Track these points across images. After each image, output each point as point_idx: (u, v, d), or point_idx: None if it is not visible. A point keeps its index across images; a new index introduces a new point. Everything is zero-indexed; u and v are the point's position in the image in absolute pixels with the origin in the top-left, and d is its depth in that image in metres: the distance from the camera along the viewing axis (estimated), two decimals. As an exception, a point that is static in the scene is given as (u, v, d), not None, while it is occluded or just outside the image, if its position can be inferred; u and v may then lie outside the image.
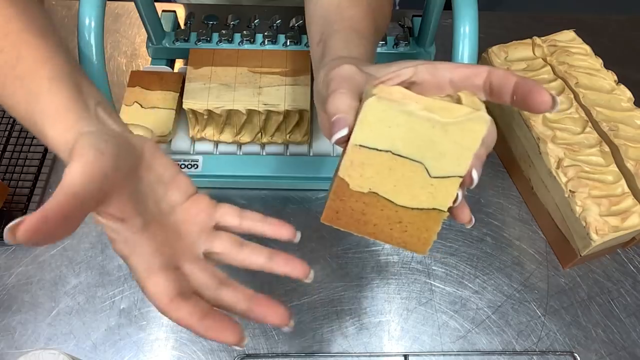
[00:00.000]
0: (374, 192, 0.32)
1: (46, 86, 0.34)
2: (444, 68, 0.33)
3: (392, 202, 0.32)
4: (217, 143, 0.63)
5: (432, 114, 0.30)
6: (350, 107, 0.32)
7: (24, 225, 0.25)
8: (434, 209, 0.32)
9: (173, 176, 0.36)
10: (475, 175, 0.31)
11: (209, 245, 0.36)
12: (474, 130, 0.30)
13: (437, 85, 0.33)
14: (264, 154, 0.63)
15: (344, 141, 0.32)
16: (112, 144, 0.31)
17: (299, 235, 0.36)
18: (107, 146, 0.31)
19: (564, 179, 0.57)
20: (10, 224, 0.25)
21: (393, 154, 0.31)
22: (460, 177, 0.31)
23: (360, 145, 0.31)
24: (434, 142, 0.30)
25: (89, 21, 0.47)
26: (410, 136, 0.30)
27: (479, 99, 0.33)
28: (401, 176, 0.31)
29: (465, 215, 0.34)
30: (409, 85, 0.34)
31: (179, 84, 0.64)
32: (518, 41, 0.68)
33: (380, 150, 0.31)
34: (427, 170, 0.31)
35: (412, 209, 0.33)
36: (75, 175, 0.28)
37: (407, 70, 0.33)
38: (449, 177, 0.31)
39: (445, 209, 0.32)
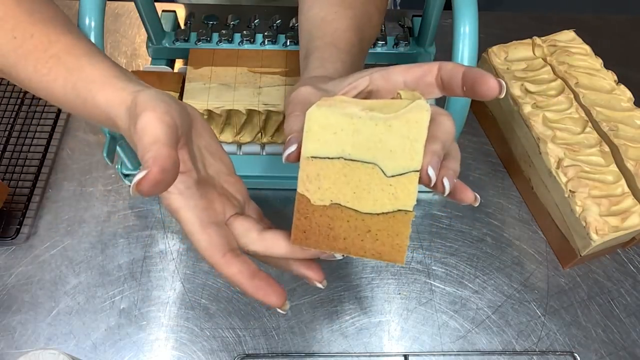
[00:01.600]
0: (336, 204, 0.32)
1: (86, 60, 0.36)
2: (396, 72, 0.34)
3: (356, 210, 0.32)
4: (217, 143, 0.63)
5: (373, 112, 0.30)
6: (302, 127, 0.32)
7: (148, 181, 0.28)
8: (399, 210, 0.31)
9: (218, 149, 0.38)
10: (431, 172, 0.30)
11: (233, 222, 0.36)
12: (416, 120, 0.29)
13: (393, 90, 0.34)
14: (264, 154, 0.63)
15: (296, 158, 0.32)
16: (172, 99, 0.33)
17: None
18: (170, 101, 0.33)
19: (564, 179, 0.57)
20: (136, 179, 0.28)
21: (345, 159, 0.31)
22: (417, 171, 0.30)
23: (312, 157, 0.31)
24: (381, 140, 0.30)
25: (89, 21, 0.47)
26: (357, 139, 0.30)
27: (419, 93, 0.32)
28: (358, 181, 0.31)
29: (468, 196, 0.33)
30: (367, 94, 0.34)
31: (179, 84, 0.64)
32: (518, 41, 0.68)
33: (332, 158, 0.31)
34: (382, 170, 0.30)
35: (377, 214, 0.31)
36: (157, 125, 0.30)
37: (362, 80, 0.34)
38: (405, 173, 0.30)
39: (411, 209, 0.31)
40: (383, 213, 0.31)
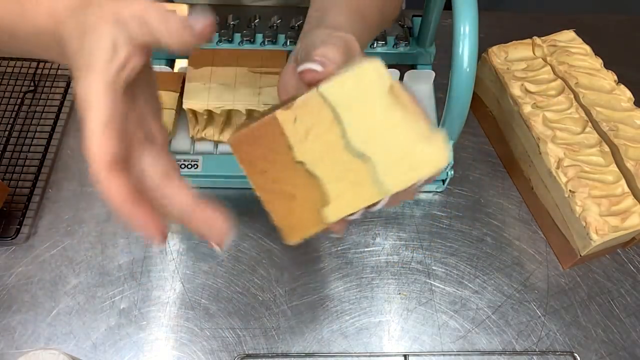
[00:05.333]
0: (300, 162, 0.31)
1: None
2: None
3: (309, 172, 0.31)
4: (217, 143, 0.63)
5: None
6: (338, 59, 0.31)
7: (207, 26, 0.27)
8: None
9: (156, 90, 0.35)
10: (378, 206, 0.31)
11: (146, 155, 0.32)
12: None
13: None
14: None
15: (310, 81, 0.30)
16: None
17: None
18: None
19: (564, 179, 0.57)
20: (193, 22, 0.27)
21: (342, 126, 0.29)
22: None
23: (324, 97, 0.29)
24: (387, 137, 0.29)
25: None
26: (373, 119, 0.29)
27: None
28: (336, 154, 0.30)
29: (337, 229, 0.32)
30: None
31: (179, 84, 0.64)
32: (518, 41, 0.68)
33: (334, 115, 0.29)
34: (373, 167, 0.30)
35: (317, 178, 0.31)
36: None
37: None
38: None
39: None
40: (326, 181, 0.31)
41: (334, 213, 0.31)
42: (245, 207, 0.58)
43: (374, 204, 0.31)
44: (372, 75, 0.29)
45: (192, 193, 0.31)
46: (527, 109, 0.61)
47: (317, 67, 0.30)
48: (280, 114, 0.30)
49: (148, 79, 0.33)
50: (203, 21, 0.28)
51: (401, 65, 0.69)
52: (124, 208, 0.28)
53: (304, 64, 0.30)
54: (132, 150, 0.30)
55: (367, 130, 0.29)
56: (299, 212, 0.31)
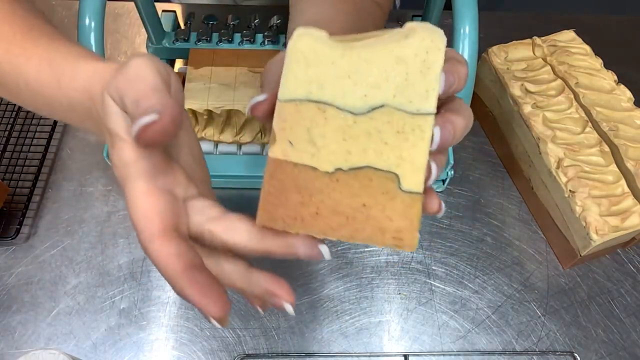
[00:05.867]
0: (338, 169, 0.26)
1: (71, 42, 0.33)
2: None
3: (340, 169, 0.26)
4: (217, 143, 0.63)
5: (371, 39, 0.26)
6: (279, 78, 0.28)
7: (159, 127, 0.24)
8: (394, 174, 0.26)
9: (201, 157, 0.33)
10: (434, 169, 0.26)
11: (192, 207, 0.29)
12: (427, 50, 0.25)
13: None
14: (264, 154, 0.63)
15: (264, 110, 0.28)
16: (168, 66, 0.29)
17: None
18: (167, 66, 0.29)
19: (564, 179, 0.57)
20: (141, 123, 0.24)
21: (340, 109, 0.26)
22: (430, 114, 0.25)
23: (293, 100, 0.26)
24: (388, 77, 0.26)
25: (89, 21, 0.47)
26: (358, 76, 0.26)
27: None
28: (357, 137, 0.26)
29: (434, 203, 0.28)
30: None
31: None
32: (518, 41, 0.68)
33: (323, 103, 0.26)
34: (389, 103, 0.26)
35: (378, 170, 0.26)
36: (153, 74, 0.26)
37: None
38: (419, 114, 0.26)
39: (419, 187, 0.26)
40: (385, 170, 0.26)
41: (412, 179, 0.26)
42: (245, 207, 0.57)
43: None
44: (302, 46, 0.26)
45: (245, 262, 0.29)
46: (527, 109, 0.61)
47: (262, 97, 0.28)
48: (273, 152, 0.26)
49: (184, 129, 0.31)
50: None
51: (401, 65, 0.68)
52: (185, 279, 0.25)
53: (250, 102, 0.28)
54: (178, 209, 0.28)
55: (354, 80, 0.26)
56: (384, 214, 0.26)
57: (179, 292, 0.25)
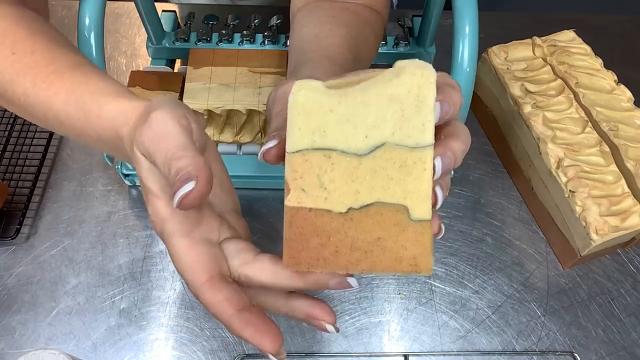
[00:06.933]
0: (351, 208, 0.28)
1: (96, 75, 0.34)
2: None
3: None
4: (217, 143, 0.63)
5: (365, 82, 0.27)
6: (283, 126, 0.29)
7: (197, 194, 0.25)
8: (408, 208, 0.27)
9: (230, 186, 0.35)
10: (439, 193, 0.28)
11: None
12: (419, 85, 0.26)
13: None
14: (264, 154, 0.63)
15: (276, 157, 0.29)
16: (190, 110, 0.31)
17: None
18: (186, 108, 0.30)
19: (564, 179, 0.57)
20: (181, 192, 0.25)
21: (344, 152, 0.27)
22: (428, 145, 0.27)
23: (302, 151, 0.27)
24: (385, 118, 0.27)
25: (89, 21, 0.47)
26: (355, 119, 0.27)
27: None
28: (365, 176, 0.27)
29: (434, 226, 0.29)
30: None
31: (179, 84, 0.64)
32: (518, 41, 0.68)
33: (329, 150, 0.27)
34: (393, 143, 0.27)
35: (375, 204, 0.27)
36: (176, 127, 0.27)
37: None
38: (411, 147, 0.27)
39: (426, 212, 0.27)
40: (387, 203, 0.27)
41: (420, 208, 0.27)
42: (245, 207, 0.58)
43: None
44: (302, 98, 0.27)
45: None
46: (527, 109, 0.61)
47: (272, 143, 0.29)
48: (289, 201, 0.28)
49: (220, 179, 0.33)
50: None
51: (401, 65, 0.69)
52: (239, 320, 0.28)
53: (262, 149, 0.29)
54: (218, 255, 0.30)
55: (353, 123, 0.27)
56: (398, 244, 0.28)
57: (235, 333, 0.28)
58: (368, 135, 0.27)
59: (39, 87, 0.35)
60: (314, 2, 0.48)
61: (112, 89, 0.33)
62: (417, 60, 0.27)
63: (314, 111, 0.27)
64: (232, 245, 0.31)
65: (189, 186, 0.25)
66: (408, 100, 0.26)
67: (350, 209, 0.28)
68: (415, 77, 0.26)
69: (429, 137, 0.27)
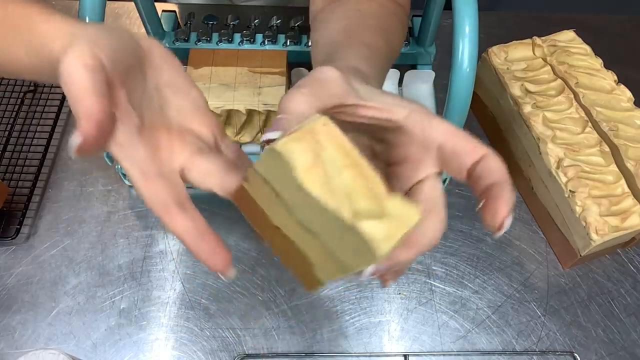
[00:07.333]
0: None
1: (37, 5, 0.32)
2: (439, 129, 0.29)
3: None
4: (217, 143, 0.63)
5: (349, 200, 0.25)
6: (300, 110, 0.28)
7: (86, 143, 0.25)
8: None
9: (185, 84, 0.33)
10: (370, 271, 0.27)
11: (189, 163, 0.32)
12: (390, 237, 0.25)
13: (422, 144, 0.30)
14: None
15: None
16: (115, 33, 0.29)
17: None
18: (108, 35, 0.29)
19: (564, 179, 0.57)
20: (74, 142, 0.25)
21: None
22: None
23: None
24: (342, 237, 0.25)
25: (89, 21, 0.47)
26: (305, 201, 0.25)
27: (415, 208, 0.26)
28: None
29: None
30: (387, 126, 0.30)
31: (179, 84, 0.64)
32: (518, 41, 0.68)
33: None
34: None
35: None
36: (81, 72, 0.26)
37: (400, 110, 0.29)
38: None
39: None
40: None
41: (322, 275, 0.28)
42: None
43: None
44: (325, 131, 0.25)
45: (202, 224, 0.31)
46: (527, 109, 0.61)
47: (274, 135, 0.28)
48: (244, 183, 0.28)
49: (171, 84, 0.32)
50: None
51: (401, 65, 0.69)
52: (194, 247, 0.29)
53: (265, 134, 0.28)
54: (176, 185, 0.31)
55: (310, 204, 0.25)
56: (302, 263, 0.28)
57: (192, 254, 0.30)
58: (312, 220, 0.26)
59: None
60: (334, 1, 0.47)
61: (46, 10, 0.31)
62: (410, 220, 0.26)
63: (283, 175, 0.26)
64: (197, 161, 0.32)
65: (77, 136, 0.25)
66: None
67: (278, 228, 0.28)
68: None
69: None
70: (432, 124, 0.29)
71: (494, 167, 0.29)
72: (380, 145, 0.33)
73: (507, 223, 0.28)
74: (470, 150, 0.29)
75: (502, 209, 0.27)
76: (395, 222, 0.25)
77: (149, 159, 0.30)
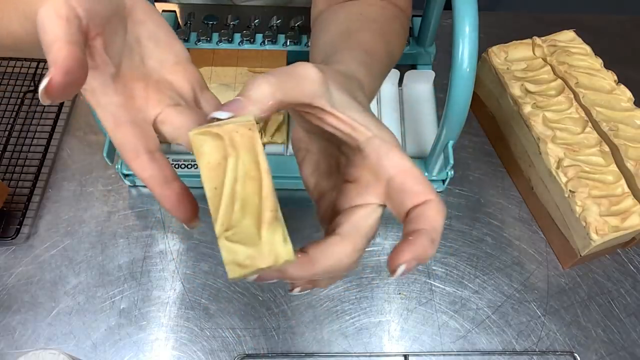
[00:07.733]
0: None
1: None
2: (393, 163, 0.29)
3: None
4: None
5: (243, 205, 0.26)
6: (260, 97, 0.28)
7: (53, 87, 0.25)
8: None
9: (167, 36, 0.33)
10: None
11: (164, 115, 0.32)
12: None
13: (374, 171, 0.30)
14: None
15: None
16: None
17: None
18: None
19: (564, 179, 0.57)
20: (42, 85, 0.25)
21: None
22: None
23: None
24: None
25: None
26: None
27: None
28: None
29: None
30: (354, 146, 0.30)
31: (179, 84, 0.64)
32: (518, 41, 0.68)
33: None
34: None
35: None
36: (55, 21, 0.26)
37: (364, 131, 0.29)
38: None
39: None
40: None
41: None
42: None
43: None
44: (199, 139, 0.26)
45: (169, 173, 0.32)
46: (527, 109, 0.61)
47: (222, 115, 0.27)
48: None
49: (153, 36, 0.33)
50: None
51: (401, 65, 0.69)
52: (160, 195, 0.30)
53: (215, 112, 0.28)
54: (149, 117, 0.31)
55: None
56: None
57: (160, 204, 0.31)
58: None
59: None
60: (336, 3, 0.47)
61: None
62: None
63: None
64: (171, 115, 0.32)
65: (45, 79, 0.25)
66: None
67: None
68: None
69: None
70: (389, 155, 0.29)
71: (430, 216, 0.28)
72: (344, 159, 0.33)
73: (400, 271, 0.27)
74: (416, 192, 0.29)
75: (404, 255, 0.27)
76: (260, 254, 0.25)
77: (122, 107, 0.31)
